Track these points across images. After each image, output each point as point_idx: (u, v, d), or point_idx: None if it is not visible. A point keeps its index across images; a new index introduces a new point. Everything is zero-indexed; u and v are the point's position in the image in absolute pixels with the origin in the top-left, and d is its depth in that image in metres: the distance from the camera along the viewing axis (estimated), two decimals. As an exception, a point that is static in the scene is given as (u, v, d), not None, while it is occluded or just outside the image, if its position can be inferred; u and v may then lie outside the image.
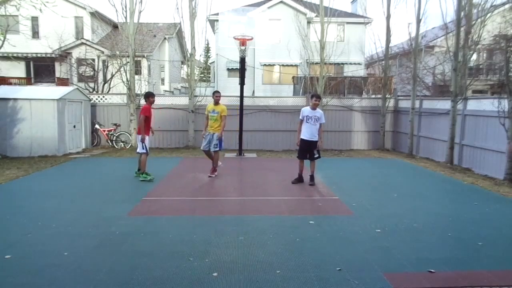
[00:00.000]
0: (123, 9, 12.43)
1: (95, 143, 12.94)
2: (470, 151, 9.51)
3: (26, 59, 21.43)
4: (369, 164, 10.37)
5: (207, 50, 48.17)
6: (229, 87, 20.82)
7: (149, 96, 7.88)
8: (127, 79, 12.80)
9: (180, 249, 4.05)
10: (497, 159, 8.43)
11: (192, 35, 12.83)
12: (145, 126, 7.64)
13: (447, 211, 5.71)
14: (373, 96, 14.98)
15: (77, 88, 12.81)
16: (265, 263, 3.75)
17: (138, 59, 18.71)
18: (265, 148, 13.07)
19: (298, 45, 18.45)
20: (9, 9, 12.33)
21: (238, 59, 11.49)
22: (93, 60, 19.65)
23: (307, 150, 7.33)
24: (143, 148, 7.69)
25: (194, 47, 12.95)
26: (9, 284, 3.28)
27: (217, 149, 7.96)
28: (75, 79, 19.69)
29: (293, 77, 19.83)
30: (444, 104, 10.66)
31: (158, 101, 13.32)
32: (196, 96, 12.91)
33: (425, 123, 11.79)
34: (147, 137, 7.75)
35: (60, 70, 21.27)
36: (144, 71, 21.37)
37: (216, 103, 7.96)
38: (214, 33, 22.16)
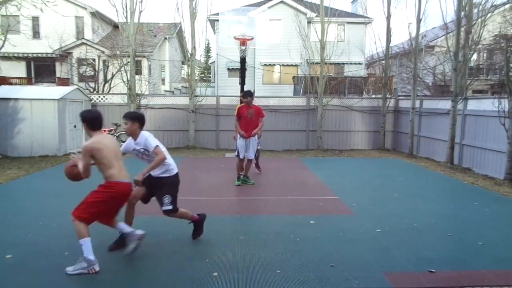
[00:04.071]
0: (123, 9, 12.42)
1: (95, 143, 12.92)
2: (470, 151, 9.51)
3: (27, 59, 21.43)
4: (369, 164, 10.37)
5: (208, 50, 48.14)
6: (230, 87, 20.82)
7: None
8: (127, 79, 12.80)
9: (180, 249, 4.06)
10: (497, 159, 8.43)
11: (192, 35, 12.84)
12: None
13: (447, 211, 5.72)
14: (374, 96, 14.98)
15: (78, 88, 12.81)
16: (265, 263, 3.75)
17: (139, 59, 18.69)
18: (265, 148, 13.05)
19: (298, 45, 18.42)
20: (10, 9, 12.32)
21: (238, 59, 11.50)
22: (94, 60, 19.63)
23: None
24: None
25: (194, 47, 12.95)
26: (9, 284, 3.29)
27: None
28: (75, 79, 19.67)
29: (293, 77, 19.84)
30: (445, 104, 10.66)
31: (158, 101, 13.44)
32: (196, 96, 12.91)
33: (426, 123, 11.79)
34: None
35: (60, 70, 21.26)
36: (145, 71, 21.36)
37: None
38: (215, 33, 22.15)
